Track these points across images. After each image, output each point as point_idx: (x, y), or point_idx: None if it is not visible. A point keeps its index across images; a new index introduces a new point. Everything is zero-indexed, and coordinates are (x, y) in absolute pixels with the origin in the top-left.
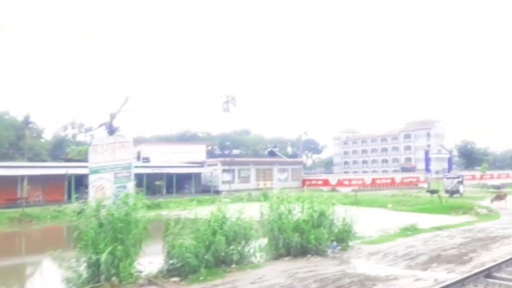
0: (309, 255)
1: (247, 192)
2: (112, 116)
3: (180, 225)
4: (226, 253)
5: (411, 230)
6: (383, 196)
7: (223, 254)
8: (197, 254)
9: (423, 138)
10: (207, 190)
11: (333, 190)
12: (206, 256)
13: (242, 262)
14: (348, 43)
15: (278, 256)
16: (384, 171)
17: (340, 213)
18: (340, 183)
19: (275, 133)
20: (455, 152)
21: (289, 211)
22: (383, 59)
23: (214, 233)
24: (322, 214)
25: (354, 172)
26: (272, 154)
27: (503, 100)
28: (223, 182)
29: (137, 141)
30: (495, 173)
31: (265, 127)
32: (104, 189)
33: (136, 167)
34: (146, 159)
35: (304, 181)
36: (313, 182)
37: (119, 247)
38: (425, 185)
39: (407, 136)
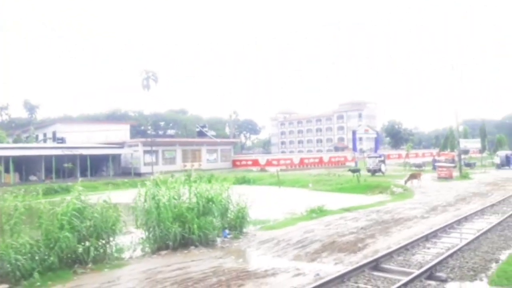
0: (192, 247)
1: (171, 174)
2: None
3: (14, 220)
4: (83, 250)
5: (317, 212)
6: (307, 176)
7: (80, 252)
8: (34, 255)
9: (355, 119)
10: (128, 173)
11: (262, 170)
12: (51, 257)
13: (104, 260)
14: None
15: (156, 250)
16: (318, 151)
17: (236, 198)
18: (269, 163)
19: (213, 113)
20: (384, 133)
21: (172, 198)
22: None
23: (62, 228)
24: (210, 200)
25: (291, 151)
26: (201, 134)
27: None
28: (145, 164)
29: (53, 121)
30: (420, 152)
31: (204, 108)
32: None
33: (42, 148)
34: (61, 140)
35: (234, 162)
36: (243, 162)
37: None
38: (353, 164)
39: (340, 117)
